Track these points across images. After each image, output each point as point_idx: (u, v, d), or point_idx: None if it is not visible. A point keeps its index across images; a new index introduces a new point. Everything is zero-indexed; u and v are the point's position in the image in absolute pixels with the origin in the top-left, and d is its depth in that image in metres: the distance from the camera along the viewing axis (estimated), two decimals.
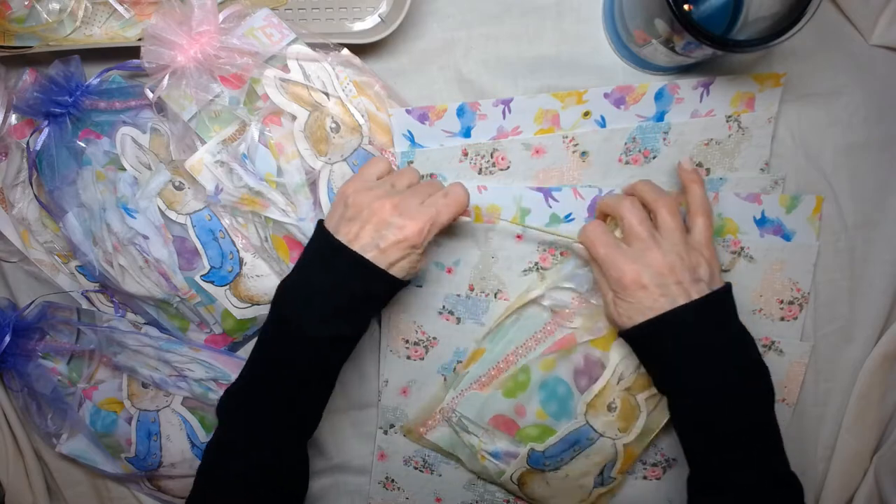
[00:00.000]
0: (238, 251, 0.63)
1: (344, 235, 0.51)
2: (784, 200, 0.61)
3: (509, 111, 0.61)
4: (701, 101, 0.61)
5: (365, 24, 0.62)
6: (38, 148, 0.61)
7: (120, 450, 0.66)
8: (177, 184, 0.62)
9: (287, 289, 0.53)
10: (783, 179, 0.61)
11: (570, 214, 0.62)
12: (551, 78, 0.63)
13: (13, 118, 0.65)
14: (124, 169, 0.62)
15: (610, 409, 0.58)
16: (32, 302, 0.67)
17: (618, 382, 0.57)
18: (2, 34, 0.61)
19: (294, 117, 0.59)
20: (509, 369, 0.61)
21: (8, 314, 0.66)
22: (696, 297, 0.50)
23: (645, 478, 0.65)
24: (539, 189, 0.61)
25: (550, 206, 0.62)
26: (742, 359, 0.52)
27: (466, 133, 0.62)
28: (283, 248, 0.62)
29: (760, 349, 0.61)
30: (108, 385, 0.67)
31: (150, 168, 0.63)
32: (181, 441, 0.66)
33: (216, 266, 0.63)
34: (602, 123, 0.61)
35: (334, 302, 0.51)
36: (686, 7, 0.49)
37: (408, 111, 0.62)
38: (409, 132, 0.62)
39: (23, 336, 0.65)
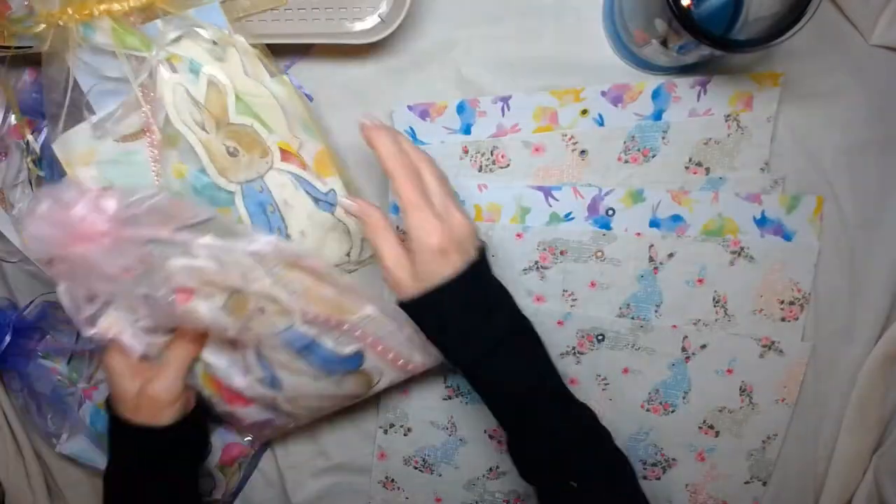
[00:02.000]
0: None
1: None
2: (784, 201, 0.61)
3: (508, 108, 0.62)
4: (698, 100, 0.61)
5: (365, 24, 0.62)
6: (38, 147, 0.61)
7: None
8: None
9: None
10: (783, 179, 0.61)
11: (570, 213, 0.62)
12: (551, 78, 0.63)
13: (13, 118, 0.65)
14: None
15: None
16: (32, 301, 0.67)
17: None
18: (2, 34, 0.61)
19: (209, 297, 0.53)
20: None
21: (8, 314, 0.66)
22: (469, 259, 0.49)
23: (645, 478, 0.65)
24: (539, 188, 0.62)
25: (550, 206, 0.62)
26: (504, 313, 0.52)
27: (466, 130, 0.62)
28: (210, 384, 0.60)
29: (760, 349, 0.61)
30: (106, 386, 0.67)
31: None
32: None
33: None
34: (600, 122, 0.61)
35: None
36: (685, 6, 0.49)
37: (409, 108, 0.62)
38: (412, 128, 0.63)
39: (23, 336, 0.65)
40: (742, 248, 0.61)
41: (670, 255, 0.61)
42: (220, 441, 0.66)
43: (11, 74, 0.65)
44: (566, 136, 0.62)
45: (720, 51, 0.51)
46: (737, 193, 0.60)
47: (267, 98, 0.58)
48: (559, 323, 0.63)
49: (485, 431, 0.66)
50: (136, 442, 0.55)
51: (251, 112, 0.58)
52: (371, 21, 0.62)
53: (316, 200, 0.60)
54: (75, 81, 0.56)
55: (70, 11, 0.54)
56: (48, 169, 0.61)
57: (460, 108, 0.62)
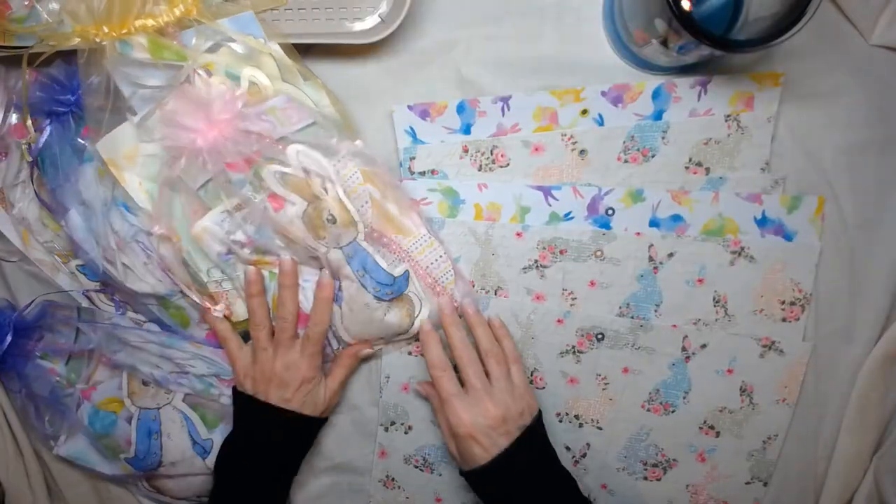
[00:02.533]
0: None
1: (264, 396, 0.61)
2: (785, 201, 0.61)
3: (508, 108, 0.62)
4: (699, 100, 0.61)
5: (365, 24, 0.63)
6: (39, 146, 0.61)
7: (119, 450, 0.66)
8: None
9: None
10: (783, 179, 0.61)
11: (569, 213, 0.62)
12: (551, 78, 0.63)
13: (13, 118, 0.65)
14: None
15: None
16: (32, 301, 0.67)
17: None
18: (2, 34, 0.61)
19: (294, 204, 0.59)
20: None
21: (8, 314, 0.65)
22: (517, 435, 0.56)
23: (645, 478, 0.65)
24: (539, 188, 0.62)
25: (550, 205, 0.62)
26: (556, 483, 0.58)
27: (466, 130, 0.63)
28: None
29: (760, 349, 0.61)
30: (107, 385, 0.67)
31: None
32: (182, 439, 0.65)
33: None
34: (600, 122, 0.62)
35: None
36: (685, 6, 0.49)
37: (409, 107, 0.62)
38: (412, 128, 0.63)
39: (23, 336, 0.65)
40: (742, 248, 0.61)
41: (670, 255, 0.61)
42: (221, 439, 0.65)
43: (12, 74, 0.65)
44: (566, 135, 0.62)
45: (720, 51, 0.51)
46: (737, 193, 0.60)
47: (306, 104, 0.59)
48: (559, 322, 0.63)
49: None
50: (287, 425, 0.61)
51: None
52: (371, 21, 0.63)
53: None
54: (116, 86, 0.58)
55: (106, 30, 0.55)
56: (50, 168, 0.61)
57: (460, 108, 0.62)
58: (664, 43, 0.55)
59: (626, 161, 0.62)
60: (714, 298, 0.62)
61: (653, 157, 0.61)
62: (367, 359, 0.66)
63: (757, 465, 0.64)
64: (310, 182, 0.58)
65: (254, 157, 0.57)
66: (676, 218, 0.61)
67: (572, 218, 0.62)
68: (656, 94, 0.61)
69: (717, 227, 0.61)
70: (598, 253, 0.62)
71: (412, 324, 0.62)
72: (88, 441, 0.67)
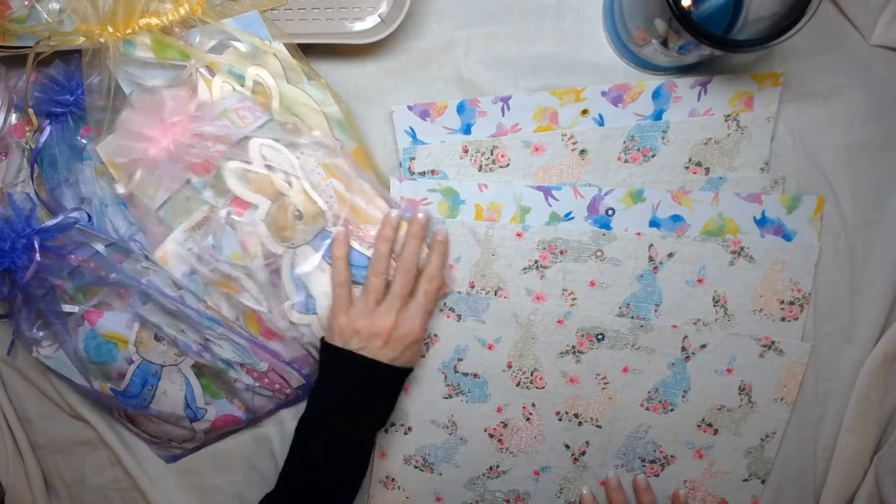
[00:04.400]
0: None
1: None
2: (785, 201, 0.61)
3: (508, 108, 0.62)
4: (699, 100, 0.61)
5: (365, 24, 0.63)
6: (39, 146, 0.61)
7: (108, 378, 0.63)
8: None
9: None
10: (783, 179, 0.61)
11: (569, 213, 0.62)
12: (551, 78, 0.63)
13: (13, 118, 0.65)
14: None
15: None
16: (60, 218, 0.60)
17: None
18: (2, 34, 0.61)
19: (257, 206, 0.58)
20: None
21: (29, 230, 0.58)
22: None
23: (644, 474, 0.65)
24: (539, 188, 0.62)
25: (550, 205, 0.62)
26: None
27: (466, 130, 0.63)
28: (253, 324, 0.62)
29: (760, 349, 0.61)
30: (116, 317, 0.62)
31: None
32: (176, 399, 0.63)
33: None
34: (600, 122, 0.62)
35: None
36: (686, 6, 0.49)
37: (409, 108, 0.62)
38: (411, 128, 0.63)
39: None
40: (742, 248, 0.61)
41: (670, 255, 0.62)
42: (216, 411, 0.65)
43: (12, 74, 0.65)
44: (566, 135, 0.62)
45: (720, 51, 0.51)
46: (737, 193, 0.61)
47: (309, 104, 0.60)
48: (559, 322, 0.63)
49: (485, 430, 0.66)
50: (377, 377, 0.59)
51: (292, 113, 0.60)
52: (371, 21, 0.63)
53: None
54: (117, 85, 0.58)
55: (111, 29, 0.55)
56: (49, 168, 0.61)
57: (460, 108, 0.62)
58: (664, 43, 0.55)
59: (626, 161, 0.62)
60: (714, 298, 0.62)
61: (653, 157, 0.62)
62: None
63: (755, 463, 0.64)
64: (273, 178, 0.57)
65: (213, 160, 0.56)
66: (676, 218, 0.61)
67: (572, 218, 0.62)
68: (656, 94, 0.61)
69: (716, 228, 0.61)
70: (599, 253, 0.62)
71: None
72: (73, 362, 0.63)
